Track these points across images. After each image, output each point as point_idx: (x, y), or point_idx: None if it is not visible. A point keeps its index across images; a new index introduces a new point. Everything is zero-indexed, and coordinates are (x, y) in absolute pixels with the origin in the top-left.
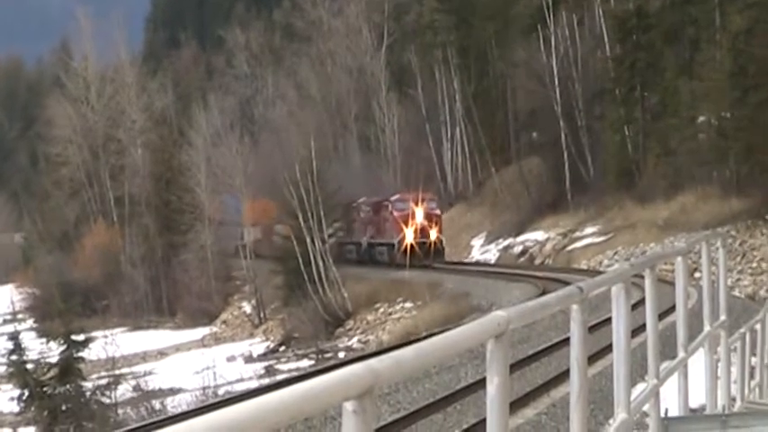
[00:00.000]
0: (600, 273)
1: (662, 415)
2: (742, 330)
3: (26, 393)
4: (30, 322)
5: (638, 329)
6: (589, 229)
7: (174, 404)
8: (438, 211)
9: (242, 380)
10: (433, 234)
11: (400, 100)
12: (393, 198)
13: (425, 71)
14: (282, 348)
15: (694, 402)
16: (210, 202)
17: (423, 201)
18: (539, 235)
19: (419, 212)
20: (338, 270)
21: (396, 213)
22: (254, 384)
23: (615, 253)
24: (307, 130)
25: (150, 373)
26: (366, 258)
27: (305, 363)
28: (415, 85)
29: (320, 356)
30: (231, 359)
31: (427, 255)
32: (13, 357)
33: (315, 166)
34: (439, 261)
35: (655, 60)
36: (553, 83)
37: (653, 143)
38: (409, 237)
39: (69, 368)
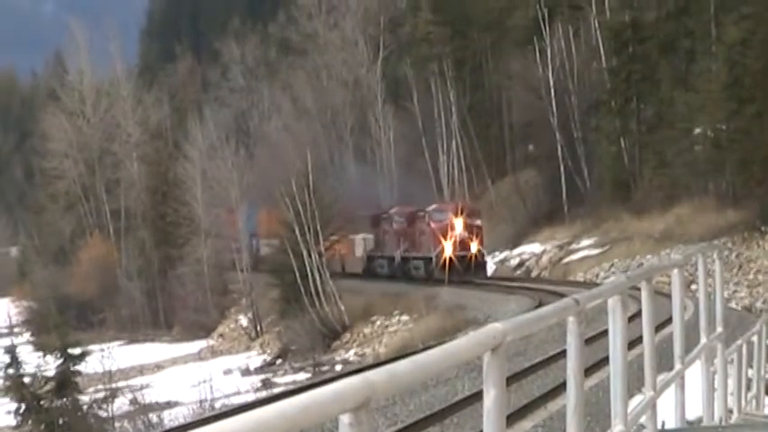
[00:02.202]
0: (596, 285)
1: (659, 427)
2: (739, 342)
3: (23, 407)
4: (26, 336)
5: (634, 341)
6: (585, 242)
7: (171, 417)
8: (479, 222)
9: (239, 393)
10: (474, 247)
11: (396, 112)
12: (430, 208)
13: (421, 83)
14: (279, 361)
15: (691, 414)
16: (207, 215)
17: (462, 211)
18: (535, 247)
19: (458, 223)
20: (334, 283)
21: (433, 225)
22: (250, 397)
23: (611, 265)
24: (302, 142)
25: (147, 386)
26: (399, 273)
27: (302, 376)
28: (411, 97)
29: (317, 369)
30: (228, 372)
31: (468, 269)
32: (10, 371)
33: (311, 178)
34: (481, 276)
35: (650, 72)
36: (549, 94)
37: (649, 155)
38: (448, 250)
39: (66, 382)
